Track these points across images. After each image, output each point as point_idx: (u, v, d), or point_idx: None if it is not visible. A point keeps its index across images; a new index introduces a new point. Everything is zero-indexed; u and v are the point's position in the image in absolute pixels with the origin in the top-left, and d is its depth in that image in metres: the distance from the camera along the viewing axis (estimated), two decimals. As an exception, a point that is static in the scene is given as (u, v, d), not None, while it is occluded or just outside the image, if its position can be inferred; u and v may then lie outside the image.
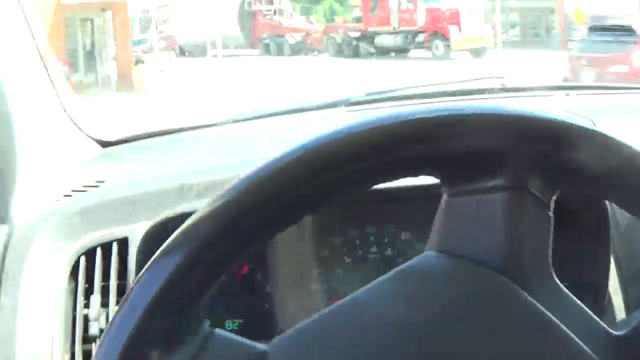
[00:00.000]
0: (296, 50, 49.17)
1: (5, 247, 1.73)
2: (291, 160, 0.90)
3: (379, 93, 2.92)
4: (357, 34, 45.18)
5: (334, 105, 2.80)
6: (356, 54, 43.56)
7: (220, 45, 32.82)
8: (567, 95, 2.76)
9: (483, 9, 42.56)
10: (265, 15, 53.72)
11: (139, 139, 2.56)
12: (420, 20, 41.13)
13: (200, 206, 0.94)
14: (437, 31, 40.00)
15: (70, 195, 1.94)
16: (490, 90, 2.91)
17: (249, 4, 54.61)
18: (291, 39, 50.46)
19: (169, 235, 0.91)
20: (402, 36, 42.12)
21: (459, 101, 2.68)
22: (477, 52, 39.83)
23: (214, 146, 2.46)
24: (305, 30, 51.12)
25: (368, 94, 2.89)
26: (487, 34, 40.93)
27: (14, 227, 1.79)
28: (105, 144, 2.41)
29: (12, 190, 1.84)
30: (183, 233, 0.89)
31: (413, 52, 41.84)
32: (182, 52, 56.71)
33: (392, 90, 3.05)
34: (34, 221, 1.82)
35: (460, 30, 39.56)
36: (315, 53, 48.05)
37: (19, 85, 1.76)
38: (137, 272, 1.61)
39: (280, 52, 49.60)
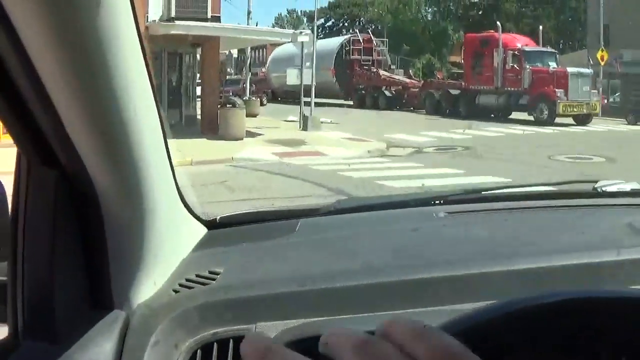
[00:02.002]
0: (392, 103, 47.91)
1: (125, 334, 1.77)
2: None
3: (474, 192, 3.20)
4: (457, 92, 43.59)
5: (433, 200, 2.92)
6: (455, 112, 41.90)
7: (314, 93, 31.34)
8: None
9: (590, 73, 40.67)
10: (363, 66, 52.70)
11: (245, 223, 2.63)
12: (526, 81, 39.55)
13: (329, 325, 1.52)
14: (542, 94, 38.18)
15: (186, 286, 1.99)
16: (583, 195, 3.03)
17: (347, 53, 53.68)
18: (388, 92, 49.26)
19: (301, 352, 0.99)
20: (505, 97, 40.51)
21: (555, 207, 2.83)
22: (582, 119, 38.07)
23: (324, 243, 2.41)
24: (403, 84, 49.90)
25: (466, 192, 3.16)
26: (595, 99, 39.21)
27: (133, 314, 1.84)
28: (210, 226, 2.48)
29: (131, 277, 1.87)
30: None
31: (515, 114, 40.21)
32: (274, 96, 56.43)
33: (488, 189, 3.24)
34: (154, 311, 1.86)
35: (567, 95, 37.69)
36: (412, 108, 46.67)
37: (137, 159, 1.71)
38: None
39: (375, 104, 48.63)
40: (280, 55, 54.32)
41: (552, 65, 40.43)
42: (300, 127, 30.78)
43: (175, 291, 1.98)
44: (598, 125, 37.28)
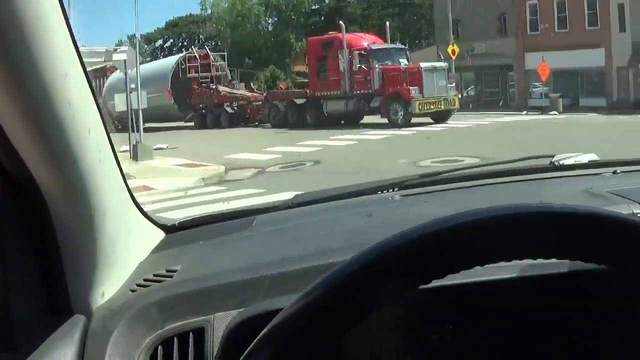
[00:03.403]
0: (236, 120, 44.74)
1: (85, 337, 1.78)
2: (370, 260, 1.12)
3: (430, 175, 3.15)
4: (303, 101, 40.67)
5: (390, 187, 2.94)
6: (301, 122, 39.03)
7: (142, 117, 28.05)
8: (614, 172, 2.89)
9: (446, 66, 38.64)
10: (201, 84, 49.22)
11: (201, 224, 2.69)
12: (376, 81, 36.93)
13: (276, 303, 1.62)
14: (395, 93, 35.62)
15: (144, 285, 2.01)
16: (541, 170, 3.06)
17: (184, 72, 50.19)
18: (230, 108, 45.89)
19: (253, 331, 1.19)
20: (355, 101, 37.81)
21: (513, 182, 2.93)
22: (441, 117, 35.74)
23: (279, 233, 2.48)
24: (245, 98, 46.63)
25: (422, 176, 3.13)
26: (453, 94, 37.12)
27: (93, 317, 1.85)
28: (169, 230, 2.53)
29: (88, 280, 1.88)
30: (270, 331, 1.11)
31: (367, 119, 37.49)
32: (113, 125, 52.79)
33: (445, 172, 3.19)
34: (113, 312, 1.87)
35: (422, 92, 35.30)
36: (256, 123, 43.58)
37: (89, 168, 1.74)
38: None
39: (217, 123, 45.20)
40: (114, 81, 50.36)
41: (404, 62, 38.17)
42: (130, 158, 27.10)
43: (133, 291, 1.98)
44: (459, 121, 35.17)
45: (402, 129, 32.49)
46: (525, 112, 42.45)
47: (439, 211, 2.15)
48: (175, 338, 1.79)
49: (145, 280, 2.02)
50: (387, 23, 45.68)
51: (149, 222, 2.38)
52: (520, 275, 1.57)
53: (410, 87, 35.10)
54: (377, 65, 37.14)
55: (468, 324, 1.62)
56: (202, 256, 2.29)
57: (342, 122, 37.54)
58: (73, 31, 1.56)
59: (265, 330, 1.09)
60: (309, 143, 27.84)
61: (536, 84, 49.21)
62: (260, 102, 44.61)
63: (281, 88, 48.68)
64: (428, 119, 35.51)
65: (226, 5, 76.93)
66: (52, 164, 1.64)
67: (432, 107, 35.40)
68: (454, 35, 48.16)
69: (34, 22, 1.38)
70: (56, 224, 1.75)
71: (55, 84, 1.50)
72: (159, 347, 1.78)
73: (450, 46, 45.46)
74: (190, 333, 1.78)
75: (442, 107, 35.82)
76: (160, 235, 2.47)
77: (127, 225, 2.09)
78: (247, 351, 1.09)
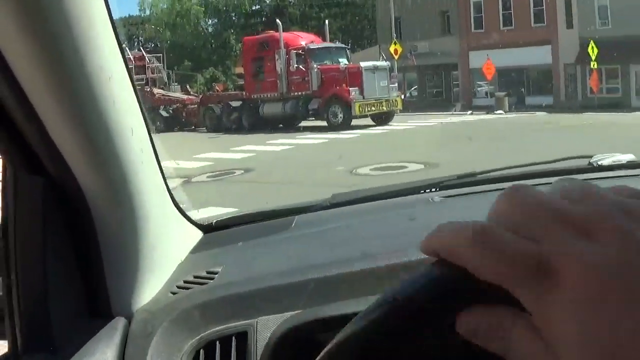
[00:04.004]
0: (170, 124, 42.43)
1: (126, 339, 1.80)
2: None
3: (469, 175, 3.11)
4: (239, 104, 39.06)
5: (429, 187, 2.97)
6: (238, 126, 37.56)
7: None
8: None
9: (387, 65, 37.41)
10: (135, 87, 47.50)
11: (241, 224, 2.67)
12: (314, 83, 35.51)
13: (325, 310, 1.67)
14: (334, 95, 34.25)
15: (184, 288, 2.02)
16: (579, 170, 3.10)
17: (117, 73, 48.54)
18: (164, 112, 43.89)
19: (303, 338, 1.28)
20: (292, 103, 36.31)
21: (549, 183, 2.26)
22: (383, 118, 34.42)
23: (320, 235, 2.47)
24: (180, 101, 44.89)
25: (461, 177, 3.10)
26: (395, 94, 35.75)
27: (133, 319, 1.86)
28: (206, 229, 2.53)
29: (128, 282, 1.89)
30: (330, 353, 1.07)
31: (306, 122, 36.11)
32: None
33: (482, 173, 3.18)
34: (154, 315, 1.88)
35: (362, 93, 33.94)
36: (192, 127, 42.05)
37: (131, 169, 1.78)
38: None
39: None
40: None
41: (343, 61, 36.92)
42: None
43: (174, 293, 1.98)
44: (402, 123, 33.92)
45: (342, 132, 31.11)
46: (470, 112, 41.50)
47: (481, 214, 2.04)
48: (218, 342, 1.77)
49: (185, 282, 2.02)
50: (327, 22, 44.38)
51: (186, 221, 2.36)
52: None
53: (350, 88, 33.80)
54: (315, 66, 35.73)
55: None
56: (242, 258, 2.27)
57: (280, 125, 36.20)
58: (118, 33, 1.59)
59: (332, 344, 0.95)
60: (244, 148, 26.36)
61: (480, 83, 48.35)
62: (196, 106, 43.09)
63: (217, 90, 47.29)
64: (369, 121, 34.28)
65: (165, 6, 75.41)
66: (95, 166, 1.65)
67: (373, 108, 34.13)
68: (397, 35, 47.36)
69: (84, 24, 1.41)
70: (98, 226, 1.74)
71: (100, 85, 1.52)
72: (201, 351, 1.77)
73: (393, 45, 44.37)
74: (233, 337, 1.77)
75: (384, 108, 34.56)
76: (197, 234, 2.45)
77: (167, 226, 2.07)
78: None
